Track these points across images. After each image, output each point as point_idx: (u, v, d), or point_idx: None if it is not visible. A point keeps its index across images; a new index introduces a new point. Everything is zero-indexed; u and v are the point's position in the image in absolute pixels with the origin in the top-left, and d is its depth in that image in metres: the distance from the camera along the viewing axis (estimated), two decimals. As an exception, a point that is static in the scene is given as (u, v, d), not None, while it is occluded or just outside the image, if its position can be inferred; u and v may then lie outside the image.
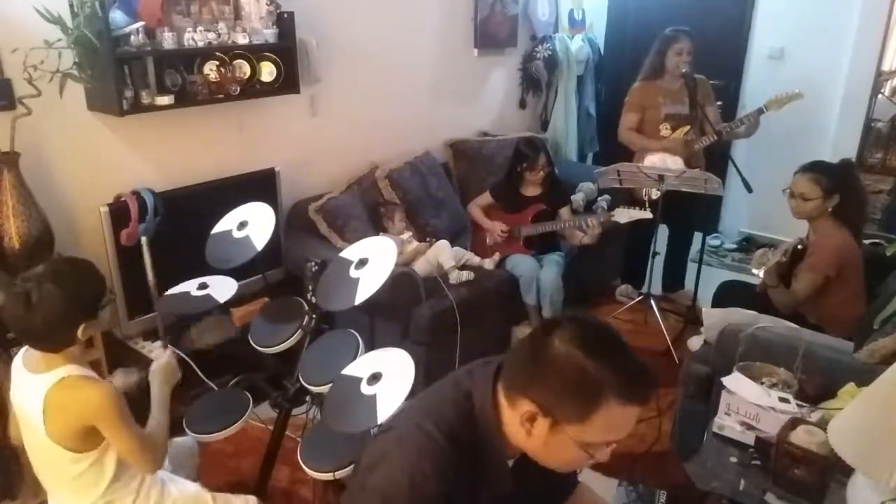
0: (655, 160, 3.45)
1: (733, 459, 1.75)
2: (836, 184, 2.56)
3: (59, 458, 1.54)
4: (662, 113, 3.54)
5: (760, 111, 3.40)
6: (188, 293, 2.20)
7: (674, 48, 3.45)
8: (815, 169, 2.61)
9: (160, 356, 1.81)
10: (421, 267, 3.04)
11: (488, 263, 3.33)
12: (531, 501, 1.33)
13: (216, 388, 2.19)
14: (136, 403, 1.69)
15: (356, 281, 1.94)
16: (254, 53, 2.80)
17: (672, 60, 3.46)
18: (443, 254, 3.11)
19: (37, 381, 1.52)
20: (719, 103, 3.81)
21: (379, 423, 1.69)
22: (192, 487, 1.79)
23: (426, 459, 1.05)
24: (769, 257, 2.64)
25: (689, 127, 3.54)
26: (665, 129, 3.56)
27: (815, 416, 1.76)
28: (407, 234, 3.25)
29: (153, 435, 1.64)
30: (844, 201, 2.57)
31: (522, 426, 1.06)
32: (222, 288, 2.21)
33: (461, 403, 1.12)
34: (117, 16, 2.35)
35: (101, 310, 1.59)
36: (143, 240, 2.52)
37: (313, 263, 2.14)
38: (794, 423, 1.68)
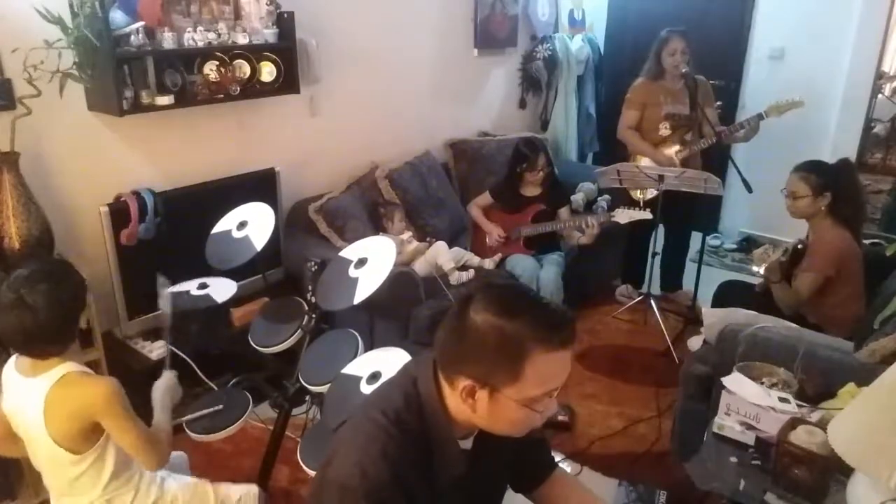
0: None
1: (733, 459, 1.75)
2: (826, 182, 2.56)
3: (60, 461, 1.54)
4: (663, 112, 3.54)
5: (760, 117, 3.39)
6: (188, 293, 2.21)
7: (667, 49, 3.46)
8: (806, 167, 2.62)
9: (162, 376, 1.80)
10: (420, 267, 3.04)
11: (488, 263, 3.33)
12: (497, 485, 1.34)
13: (216, 388, 2.19)
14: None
15: (355, 280, 1.94)
16: (254, 53, 2.80)
17: (667, 61, 3.46)
18: (441, 255, 3.11)
19: (35, 384, 1.51)
20: (719, 103, 3.81)
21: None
22: (191, 480, 1.80)
23: (374, 445, 1.07)
24: (770, 254, 2.64)
25: (686, 129, 3.54)
26: (664, 129, 3.56)
27: (815, 416, 1.76)
28: (407, 234, 3.25)
29: (157, 431, 1.65)
30: (839, 201, 2.56)
31: (465, 402, 1.08)
32: (222, 288, 2.21)
33: (408, 390, 1.15)
34: (117, 16, 2.35)
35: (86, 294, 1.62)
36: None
37: (313, 263, 2.14)
38: (794, 423, 1.68)
